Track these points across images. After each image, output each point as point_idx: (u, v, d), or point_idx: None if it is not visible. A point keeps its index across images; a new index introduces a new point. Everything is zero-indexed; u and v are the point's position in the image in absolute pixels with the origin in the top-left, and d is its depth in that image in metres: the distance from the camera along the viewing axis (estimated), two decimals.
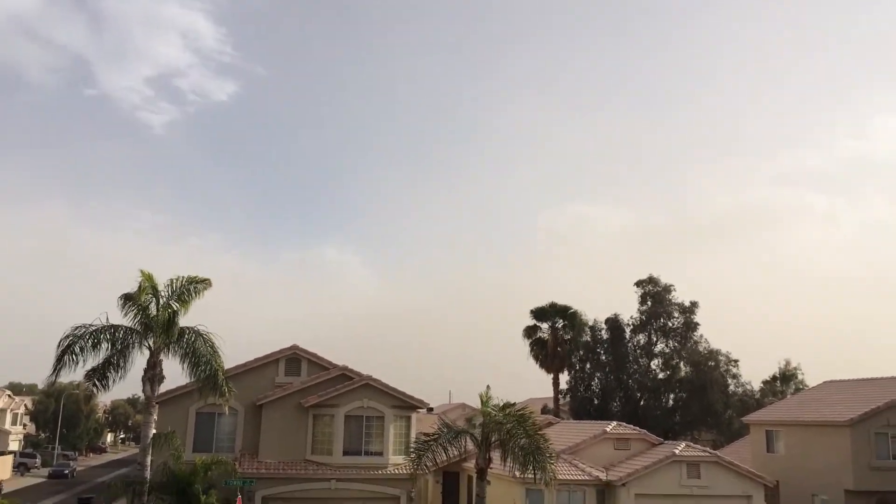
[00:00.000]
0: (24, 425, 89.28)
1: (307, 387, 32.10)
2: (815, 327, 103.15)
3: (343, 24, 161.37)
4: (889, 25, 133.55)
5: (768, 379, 63.59)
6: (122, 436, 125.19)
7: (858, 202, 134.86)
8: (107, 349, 22.46)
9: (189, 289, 23.68)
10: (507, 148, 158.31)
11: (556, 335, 59.14)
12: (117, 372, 22.78)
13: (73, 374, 22.97)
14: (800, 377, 62.85)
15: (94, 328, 22.37)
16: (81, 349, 22.03)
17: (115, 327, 22.68)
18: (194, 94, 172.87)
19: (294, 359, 33.78)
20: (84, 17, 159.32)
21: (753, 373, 73.53)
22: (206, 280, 24.14)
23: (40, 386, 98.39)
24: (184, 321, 23.44)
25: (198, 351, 22.87)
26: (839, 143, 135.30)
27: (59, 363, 21.82)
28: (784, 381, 63.17)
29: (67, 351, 21.87)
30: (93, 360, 22.37)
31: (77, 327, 22.31)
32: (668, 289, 57.76)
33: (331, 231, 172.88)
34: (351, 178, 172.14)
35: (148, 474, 22.89)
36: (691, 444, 35.31)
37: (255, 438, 31.59)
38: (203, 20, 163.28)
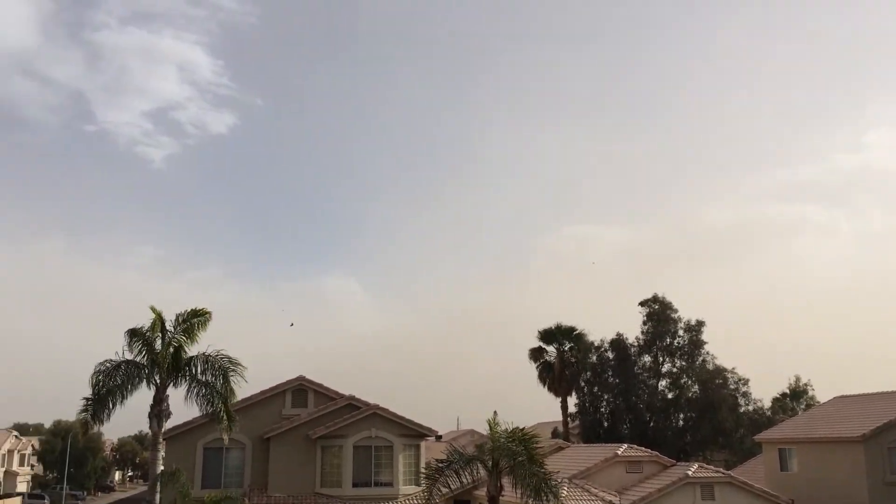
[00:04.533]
0: (32, 466, 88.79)
1: (314, 418, 31.93)
2: (822, 341, 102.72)
3: (335, 52, 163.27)
4: (883, 39, 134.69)
5: (778, 396, 63.21)
6: (129, 473, 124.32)
7: (856, 214, 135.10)
8: (122, 384, 22.37)
9: (194, 323, 23.59)
10: (501, 171, 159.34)
11: (563, 357, 58.80)
12: (113, 406, 22.54)
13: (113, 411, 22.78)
14: (810, 393, 62.52)
15: (114, 363, 22.35)
16: (110, 384, 22.04)
17: (129, 362, 22.59)
18: (193, 127, 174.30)
19: (300, 390, 33.64)
20: (81, 53, 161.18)
21: (763, 390, 73.37)
22: (207, 312, 24.01)
23: (47, 425, 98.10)
24: (190, 352, 23.35)
25: (207, 381, 22.76)
26: (835, 156, 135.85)
27: (94, 399, 21.83)
28: (794, 398, 62.78)
29: (97, 386, 21.89)
30: (121, 396, 22.30)
31: (102, 363, 22.33)
32: (671, 307, 57.50)
33: (330, 260, 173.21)
34: (349, 206, 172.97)
35: None
36: (704, 464, 34.96)
37: (264, 472, 31.37)
38: (200, 52, 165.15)
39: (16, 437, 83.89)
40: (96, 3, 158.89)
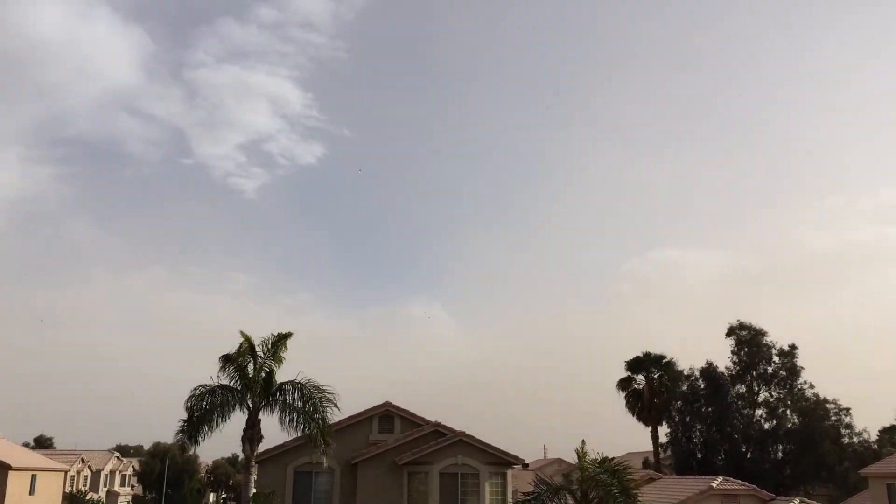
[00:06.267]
0: (132, 486, 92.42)
1: (401, 444, 32.04)
2: None
3: (425, 82, 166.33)
4: None
5: (885, 427, 59.71)
6: (223, 496, 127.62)
7: None
8: (217, 407, 23.04)
9: (279, 345, 24.11)
10: (593, 197, 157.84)
11: (652, 386, 57.25)
12: (209, 429, 23.14)
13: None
14: None
15: (209, 388, 23.09)
16: (204, 407, 22.80)
17: (224, 387, 23.26)
18: (283, 158, 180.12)
19: (387, 416, 33.86)
20: (180, 90, 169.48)
21: (867, 421, 69.20)
22: (288, 334, 24.52)
23: (146, 447, 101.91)
24: (280, 377, 23.89)
25: (296, 406, 23.21)
26: None
27: (190, 422, 22.62)
28: None
29: (194, 410, 22.68)
30: (220, 419, 23.00)
31: (197, 387, 23.11)
32: (761, 333, 55.26)
33: (418, 286, 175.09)
34: (436, 233, 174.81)
35: None
36: (805, 499, 33.28)
37: (352, 497, 31.63)
38: (290, 86, 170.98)
39: (117, 458, 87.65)
40: (194, 43, 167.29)
